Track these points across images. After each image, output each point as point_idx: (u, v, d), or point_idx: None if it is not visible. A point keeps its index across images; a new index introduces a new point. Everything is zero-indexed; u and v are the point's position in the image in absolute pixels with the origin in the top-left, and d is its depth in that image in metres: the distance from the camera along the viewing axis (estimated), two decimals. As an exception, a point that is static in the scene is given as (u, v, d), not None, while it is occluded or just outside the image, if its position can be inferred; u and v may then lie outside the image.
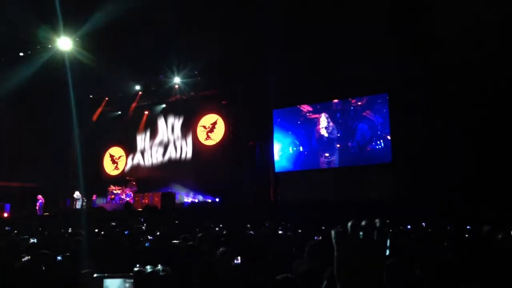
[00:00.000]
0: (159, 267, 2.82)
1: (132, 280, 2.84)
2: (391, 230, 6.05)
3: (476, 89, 12.42)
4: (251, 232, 7.69)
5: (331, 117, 16.75)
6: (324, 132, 16.73)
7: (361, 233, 1.14)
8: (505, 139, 12.28)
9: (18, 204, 19.34)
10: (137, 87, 21.09)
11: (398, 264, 2.79)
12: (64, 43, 16.70)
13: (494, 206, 9.65)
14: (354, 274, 1.20)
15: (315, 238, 5.17)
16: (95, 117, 22.07)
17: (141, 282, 2.78)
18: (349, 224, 1.13)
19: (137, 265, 2.87)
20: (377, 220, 1.14)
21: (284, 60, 15.44)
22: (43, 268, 4.33)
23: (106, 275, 3.02)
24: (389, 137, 15.40)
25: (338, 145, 16.46)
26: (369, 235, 1.24)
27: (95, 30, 15.44)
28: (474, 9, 11.70)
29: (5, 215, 18.77)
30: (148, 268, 2.82)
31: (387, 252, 1.15)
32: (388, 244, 1.15)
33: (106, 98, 22.00)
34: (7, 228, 10.70)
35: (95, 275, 3.03)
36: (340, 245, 1.24)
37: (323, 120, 16.81)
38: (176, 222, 11.84)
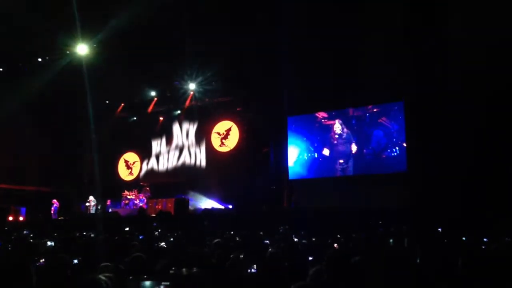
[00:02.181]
0: (195, 270, 2.85)
1: (167, 283, 2.88)
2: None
3: (494, 97, 12.28)
4: (266, 241, 7.66)
5: (346, 123, 16.69)
6: (338, 138, 16.68)
7: (391, 240, 1.13)
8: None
9: (33, 208, 19.53)
10: (153, 93, 21.23)
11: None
12: (82, 49, 16.89)
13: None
14: (384, 278, 1.20)
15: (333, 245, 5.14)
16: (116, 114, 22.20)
17: (177, 284, 2.80)
18: (380, 230, 1.12)
19: (173, 268, 2.90)
20: (405, 227, 1.13)
21: (299, 67, 15.45)
22: (61, 271, 4.36)
23: (143, 277, 3.06)
24: (404, 145, 15.30)
25: (353, 152, 16.38)
26: (399, 242, 1.24)
27: (112, 36, 15.61)
28: (492, 15, 11.62)
29: (21, 218, 18.98)
30: (184, 271, 2.84)
31: (418, 260, 1.14)
32: (419, 251, 1.15)
33: (122, 104, 22.18)
34: (25, 232, 10.82)
35: (131, 277, 3.07)
36: (371, 250, 1.24)
37: (337, 127, 16.76)
38: (205, 224, 11.80)
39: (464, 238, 6.27)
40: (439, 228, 7.03)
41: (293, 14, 14.00)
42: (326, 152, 16.95)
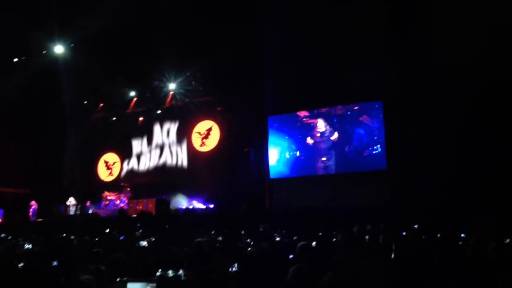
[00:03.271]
0: (181, 272, 2.86)
1: (154, 284, 2.88)
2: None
3: (473, 96, 12.50)
4: (247, 239, 7.70)
5: (328, 122, 16.81)
6: (320, 137, 16.80)
7: (367, 237, 1.17)
8: (502, 144, 12.34)
9: (11, 210, 19.22)
10: (132, 93, 21.07)
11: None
12: (59, 49, 16.67)
13: (489, 213, 9.69)
14: (360, 274, 1.24)
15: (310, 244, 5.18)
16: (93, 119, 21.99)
17: (163, 286, 2.81)
18: (355, 228, 1.16)
19: (160, 270, 2.91)
20: (382, 225, 1.17)
21: (280, 67, 15.50)
22: (39, 273, 4.33)
23: (129, 279, 3.06)
24: (384, 143, 15.50)
25: (334, 150, 16.52)
26: (375, 238, 1.28)
27: (90, 36, 15.45)
28: (471, 13, 11.82)
29: (-2, 221, 18.68)
30: (170, 272, 2.85)
31: (392, 255, 1.18)
32: (393, 247, 1.19)
33: (101, 104, 21.95)
34: (2, 235, 10.66)
35: (118, 279, 3.07)
36: (347, 248, 1.28)
37: (321, 125, 16.87)
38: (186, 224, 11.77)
39: (439, 235, 6.38)
40: (416, 225, 7.15)
41: (274, 13, 14.04)
42: (309, 143, 17.02)
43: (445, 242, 6.08)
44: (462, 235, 6.76)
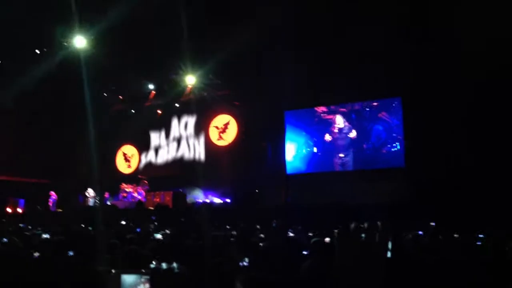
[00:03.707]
0: (174, 264, 2.86)
1: (148, 277, 2.88)
2: (406, 234, 6.00)
3: (494, 93, 12.28)
4: (261, 234, 7.69)
5: (346, 118, 16.69)
6: (338, 133, 16.69)
7: (363, 235, 1.15)
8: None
9: (31, 200, 19.56)
10: (150, 86, 21.19)
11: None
12: (80, 42, 16.82)
13: (510, 213, 9.52)
14: (354, 273, 1.22)
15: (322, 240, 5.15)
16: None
17: (156, 278, 2.81)
18: (352, 225, 1.15)
19: (153, 262, 2.91)
20: (379, 223, 1.16)
21: (298, 61, 15.41)
22: (54, 262, 4.38)
23: (122, 271, 3.06)
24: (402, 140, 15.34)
25: (352, 146, 16.39)
26: (371, 236, 1.26)
27: (110, 29, 15.56)
28: (492, 12, 11.59)
29: (19, 210, 19.01)
30: (164, 265, 2.85)
31: (389, 254, 1.15)
32: (389, 246, 1.16)
33: (120, 97, 22.14)
34: (21, 225, 10.84)
35: (112, 271, 3.07)
36: (342, 245, 1.26)
37: (339, 121, 16.74)
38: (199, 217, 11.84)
39: (456, 235, 6.29)
40: (433, 223, 7.07)
41: (293, 6, 13.94)
42: (327, 139, 16.91)
43: (463, 241, 6.00)
44: (480, 235, 6.65)
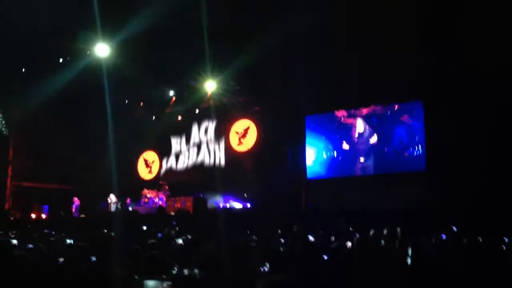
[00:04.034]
0: (196, 270, 2.88)
1: (169, 282, 2.90)
2: (423, 239, 5.94)
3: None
4: (281, 239, 7.68)
5: (367, 121, 16.55)
6: (359, 137, 16.57)
7: (382, 241, 1.14)
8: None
9: (55, 206, 19.86)
10: (171, 93, 21.37)
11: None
12: (102, 49, 17.10)
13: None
14: (373, 279, 1.21)
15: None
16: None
17: (178, 284, 2.84)
18: (371, 232, 1.14)
19: (175, 268, 2.94)
20: (398, 229, 1.14)
21: (318, 66, 15.39)
22: (78, 268, 4.45)
23: (145, 276, 3.09)
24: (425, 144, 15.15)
25: (373, 150, 16.25)
26: (390, 243, 1.25)
27: (132, 37, 15.78)
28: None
29: (43, 216, 19.33)
30: (185, 271, 2.88)
31: (409, 261, 1.15)
32: (410, 253, 1.15)
33: (141, 103, 22.38)
34: (46, 231, 11.01)
35: (135, 277, 3.11)
36: (361, 251, 1.25)
37: (360, 125, 16.61)
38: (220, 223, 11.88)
39: (480, 239, 6.18)
40: (454, 227, 6.96)
41: (310, 10, 13.92)
42: (345, 146, 16.82)
43: (487, 246, 5.89)
44: (506, 239, 6.54)
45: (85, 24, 15.69)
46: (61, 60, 18.25)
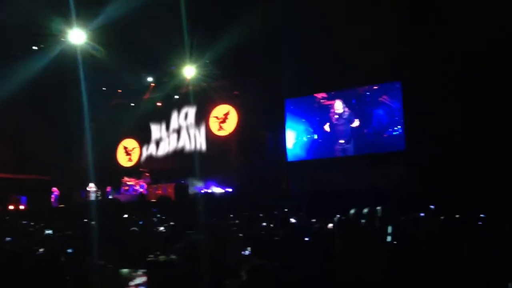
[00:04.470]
0: (172, 256, 2.83)
1: (144, 270, 2.85)
2: (403, 218, 5.99)
3: (494, 76, 12.20)
4: (263, 223, 7.68)
5: (347, 103, 16.60)
6: (338, 118, 16.61)
7: (363, 220, 1.12)
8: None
9: (33, 196, 19.56)
10: (149, 79, 21.10)
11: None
12: (77, 36, 16.71)
13: (509, 195, 9.48)
14: (354, 258, 1.19)
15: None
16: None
17: (153, 271, 2.79)
18: (352, 212, 1.11)
19: (151, 255, 2.88)
20: (378, 208, 1.12)
21: (296, 48, 15.31)
22: (56, 259, 4.37)
23: (120, 264, 3.04)
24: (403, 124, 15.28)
25: (354, 126, 16.31)
26: (370, 222, 1.22)
27: (108, 22, 15.45)
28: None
29: (22, 207, 19.03)
30: (162, 257, 2.83)
31: (389, 239, 1.13)
32: (390, 231, 1.13)
33: (119, 91, 22.06)
34: (23, 222, 10.84)
35: (110, 265, 3.05)
36: (342, 231, 1.22)
37: (339, 106, 16.66)
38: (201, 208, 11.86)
39: (457, 216, 6.27)
40: (432, 206, 7.05)
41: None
42: (326, 128, 16.87)
43: (464, 222, 5.98)
44: (482, 215, 6.63)
45: (59, 9, 15.27)
46: (34, 47, 17.79)
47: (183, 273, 2.75)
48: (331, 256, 2.38)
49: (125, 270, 2.90)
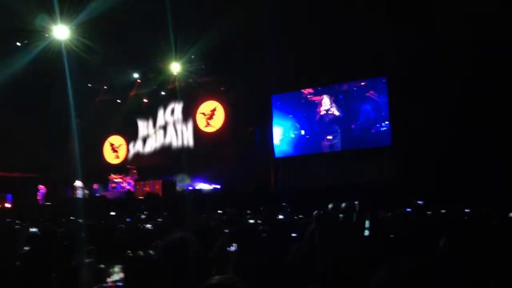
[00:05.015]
0: (151, 252, 2.81)
1: (121, 266, 2.81)
2: (389, 213, 6.03)
3: (479, 71, 12.30)
4: (250, 220, 7.68)
5: (333, 98, 16.64)
6: (326, 114, 16.66)
7: (341, 215, 1.14)
8: (510, 121, 12.17)
9: (19, 194, 19.37)
10: (135, 75, 20.97)
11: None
12: (61, 32, 16.53)
13: (496, 188, 9.60)
14: (333, 253, 1.21)
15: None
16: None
17: (130, 266, 2.76)
18: (330, 206, 1.14)
19: (129, 251, 2.85)
20: (356, 203, 1.14)
21: (283, 45, 15.31)
22: (42, 257, 4.34)
23: (98, 260, 3.01)
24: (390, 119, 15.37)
25: (340, 127, 16.38)
26: (348, 216, 1.24)
27: (92, 18, 15.30)
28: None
29: (7, 205, 18.84)
30: (140, 253, 2.80)
31: (367, 233, 1.15)
32: (367, 225, 1.15)
33: (105, 87, 21.88)
34: (8, 220, 10.72)
35: (87, 260, 3.03)
36: (321, 225, 1.25)
37: (326, 102, 16.70)
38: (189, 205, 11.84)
39: (443, 211, 6.34)
40: (420, 201, 7.10)
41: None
42: (312, 124, 16.91)
43: (449, 216, 6.04)
44: (467, 210, 6.72)
45: (42, 4, 15.08)
46: (18, 43, 17.56)
47: (161, 269, 2.74)
48: (311, 251, 2.40)
49: (101, 266, 2.89)
